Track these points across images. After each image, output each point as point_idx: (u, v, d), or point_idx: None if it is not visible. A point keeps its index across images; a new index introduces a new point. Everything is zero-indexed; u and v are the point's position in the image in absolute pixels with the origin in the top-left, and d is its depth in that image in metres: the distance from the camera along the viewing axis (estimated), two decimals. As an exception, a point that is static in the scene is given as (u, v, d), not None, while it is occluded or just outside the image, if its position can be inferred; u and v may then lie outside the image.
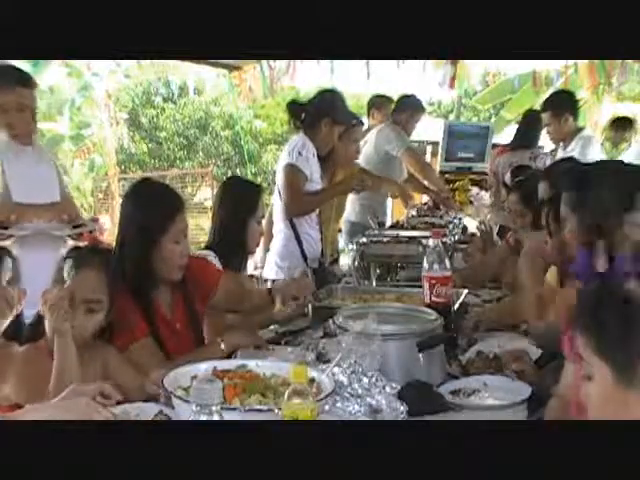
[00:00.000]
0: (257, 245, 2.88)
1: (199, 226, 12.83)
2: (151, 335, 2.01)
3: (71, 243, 2.72)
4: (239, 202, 2.70)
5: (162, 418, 1.56)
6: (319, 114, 3.42)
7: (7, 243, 2.58)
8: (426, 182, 4.84)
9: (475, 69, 6.70)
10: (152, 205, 2.07)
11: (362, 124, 4.03)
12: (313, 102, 3.51)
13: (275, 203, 3.47)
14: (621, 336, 1.05)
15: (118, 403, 1.61)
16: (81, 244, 2.67)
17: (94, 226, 2.98)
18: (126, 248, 2.05)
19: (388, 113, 4.93)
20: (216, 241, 2.67)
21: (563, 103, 4.30)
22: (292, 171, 3.30)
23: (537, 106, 5.63)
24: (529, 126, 4.76)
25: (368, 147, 4.61)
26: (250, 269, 3.41)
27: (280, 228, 3.40)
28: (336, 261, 3.88)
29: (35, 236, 2.65)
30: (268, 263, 3.47)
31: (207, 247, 2.67)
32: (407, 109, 4.79)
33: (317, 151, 3.42)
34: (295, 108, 3.51)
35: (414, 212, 4.64)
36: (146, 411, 1.60)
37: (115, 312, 1.88)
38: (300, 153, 3.30)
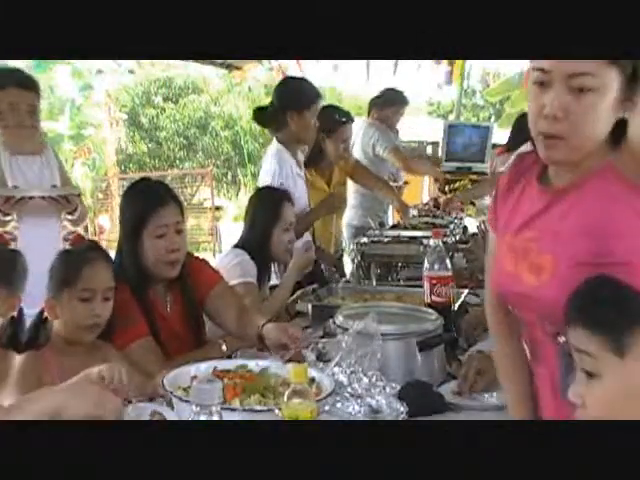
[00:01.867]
0: (286, 253, 2.69)
1: (199, 226, 12.84)
2: (151, 334, 2.00)
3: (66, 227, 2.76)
4: (262, 209, 2.70)
5: (157, 417, 1.56)
6: (282, 110, 3.05)
7: (12, 224, 2.61)
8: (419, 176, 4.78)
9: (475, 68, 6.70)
10: (133, 200, 2.12)
11: (352, 121, 3.88)
12: (273, 100, 3.15)
13: None
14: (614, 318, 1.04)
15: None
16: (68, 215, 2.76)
17: (79, 190, 3.05)
18: (121, 245, 2.10)
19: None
20: (245, 243, 2.68)
21: None
22: None
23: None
24: (524, 126, 4.74)
25: (356, 148, 4.48)
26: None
27: None
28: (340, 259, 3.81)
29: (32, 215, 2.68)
30: None
31: (237, 245, 2.69)
32: (391, 104, 4.74)
33: (305, 146, 3.29)
34: (259, 115, 3.19)
35: (415, 212, 4.64)
36: (145, 411, 1.60)
37: (115, 309, 1.89)
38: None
